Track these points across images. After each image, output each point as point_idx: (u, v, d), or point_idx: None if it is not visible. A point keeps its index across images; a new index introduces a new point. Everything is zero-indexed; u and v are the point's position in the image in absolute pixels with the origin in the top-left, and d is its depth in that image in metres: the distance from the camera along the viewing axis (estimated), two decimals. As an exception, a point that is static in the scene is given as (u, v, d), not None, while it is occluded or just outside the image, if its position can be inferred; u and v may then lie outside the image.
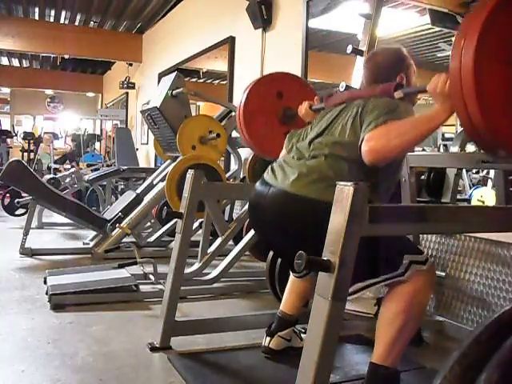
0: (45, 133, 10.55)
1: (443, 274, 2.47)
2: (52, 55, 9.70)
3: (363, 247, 1.15)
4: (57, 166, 9.05)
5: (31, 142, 10.36)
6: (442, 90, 1.44)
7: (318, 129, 1.80)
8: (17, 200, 5.29)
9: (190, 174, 2.17)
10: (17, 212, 5.58)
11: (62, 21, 8.33)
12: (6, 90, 13.47)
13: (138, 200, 4.11)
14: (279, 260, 2.61)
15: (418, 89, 1.69)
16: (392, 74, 1.80)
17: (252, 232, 3.13)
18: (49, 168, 9.01)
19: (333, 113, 1.81)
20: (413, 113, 1.63)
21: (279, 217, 1.66)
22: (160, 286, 2.91)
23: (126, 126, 9.66)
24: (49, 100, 13.64)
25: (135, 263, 2.98)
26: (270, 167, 1.80)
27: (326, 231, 1.17)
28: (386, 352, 1.56)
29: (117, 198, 5.44)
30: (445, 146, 6.33)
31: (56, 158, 9.68)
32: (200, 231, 3.41)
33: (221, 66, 6.18)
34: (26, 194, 4.91)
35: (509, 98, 1.32)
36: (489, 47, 1.27)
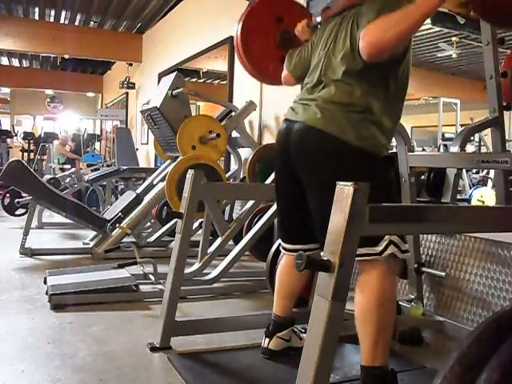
0: (45, 132, 10.52)
1: (443, 273, 2.47)
2: (52, 55, 9.71)
3: None
4: (68, 166, 9.01)
5: (31, 141, 10.37)
6: None
7: (320, 50, 1.82)
8: (17, 200, 5.29)
9: (190, 174, 2.17)
10: (17, 212, 5.57)
11: (62, 21, 8.33)
12: (6, 90, 13.48)
13: (138, 200, 4.11)
14: (279, 260, 2.61)
15: None
16: None
17: (252, 232, 3.13)
18: (61, 169, 8.95)
19: (330, 30, 1.82)
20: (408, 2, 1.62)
21: (307, 149, 1.70)
22: (160, 286, 2.91)
23: (126, 125, 9.66)
24: (49, 100, 13.64)
25: (135, 263, 2.98)
26: (290, 107, 1.84)
27: (346, 167, 1.33)
28: (372, 352, 1.56)
29: (117, 198, 5.44)
30: (445, 145, 6.34)
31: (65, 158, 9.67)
32: (200, 231, 3.41)
33: (221, 65, 6.18)
34: (25, 194, 4.91)
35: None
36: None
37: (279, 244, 2.59)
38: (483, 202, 4.42)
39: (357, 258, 1.55)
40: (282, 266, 2.04)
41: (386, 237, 1.56)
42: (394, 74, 1.69)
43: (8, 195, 5.62)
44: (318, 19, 2.04)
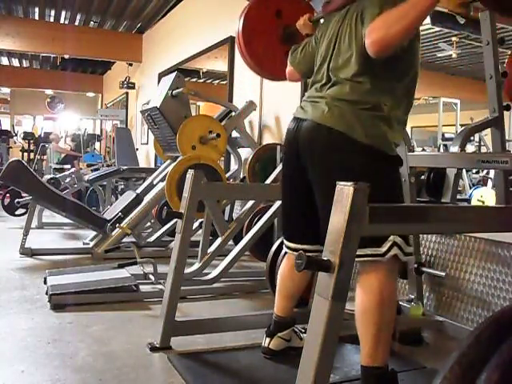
0: (45, 132, 10.54)
1: (443, 274, 2.47)
2: (52, 55, 9.71)
3: None
4: (60, 166, 9.02)
5: (31, 141, 10.37)
6: None
7: (325, 47, 1.81)
8: (17, 200, 5.29)
9: (189, 173, 2.17)
10: (17, 212, 5.57)
11: (62, 21, 8.33)
12: (6, 90, 13.48)
13: (138, 200, 4.11)
14: (279, 260, 2.61)
15: None
16: None
17: (252, 232, 3.13)
18: (57, 169, 8.95)
19: (334, 25, 1.81)
20: None
21: (312, 147, 1.71)
22: (160, 286, 2.91)
23: (126, 125, 9.66)
24: (49, 100, 13.65)
25: (135, 263, 2.98)
26: (298, 106, 1.83)
27: (355, 165, 1.31)
28: (372, 352, 1.56)
29: (117, 198, 5.44)
30: (445, 146, 6.34)
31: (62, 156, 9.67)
32: (200, 231, 3.41)
33: (221, 65, 6.18)
34: (26, 194, 4.91)
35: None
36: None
37: (281, 243, 2.59)
38: (483, 202, 4.42)
39: (359, 259, 1.55)
40: (284, 266, 2.04)
41: (390, 238, 1.56)
42: (402, 68, 1.68)
43: (8, 195, 5.63)
44: (320, 15, 2.03)
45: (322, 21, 2.04)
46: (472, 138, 4.93)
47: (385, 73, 1.66)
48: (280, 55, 2.27)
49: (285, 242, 1.99)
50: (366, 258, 1.56)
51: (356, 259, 1.56)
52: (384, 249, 1.56)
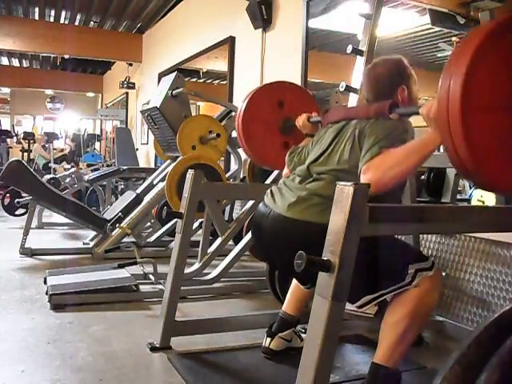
0: (45, 132, 10.54)
1: (443, 274, 2.47)
2: (52, 55, 9.71)
3: (366, 258, 1.15)
4: (56, 165, 9.03)
5: (31, 142, 10.37)
6: (434, 115, 1.40)
7: (316, 151, 1.81)
8: (17, 200, 5.28)
9: (189, 173, 2.17)
10: (17, 212, 5.58)
11: (62, 21, 8.33)
12: (6, 90, 13.48)
13: (138, 200, 4.11)
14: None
15: (411, 111, 1.67)
16: (393, 85, 1.79)
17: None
18: (44, 168, 8.95)
19: (330, 133, 1.81)
20: (411, 132, 1.64)
21: (278, 239, 1.70)
22: (160, 286, 2.91)
23: (126, 125, 9.66)
24: (49, 100, 13.65)
25: (135, 263, 2.98)
26: (269, 190, 1.81)
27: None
28: (389, 353, 1.57)
29: (117, 198, 5.44)
30: (445, 146, 6.33)
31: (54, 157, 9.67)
32: (200, 231, 3.41)
33: (221, 65, 6.18)
34: (26, 194, 4.91)
35: (499, 141, 1.24)
36: (477, 89, 1.19)
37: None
38: (483, 202, 4.42)
39: (390, 294, 1.59)
40: None
41: (410, 270, 1.57)
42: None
43: (8, 195, 5.63)
44: (319, 118, 2.06)
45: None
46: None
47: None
48: (278, 145, 2.32)
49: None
50: (394, 292, 1.59)
51: (384, 297, 1.58)
52: (408, 279, 1.57)
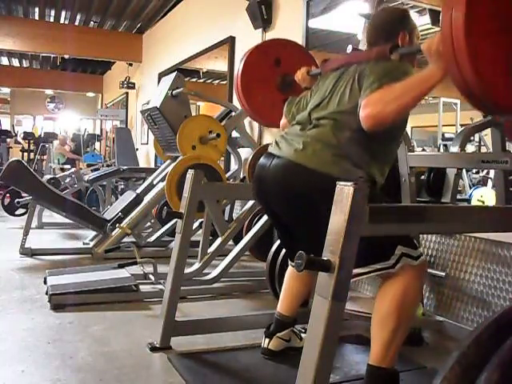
0: (45, 132, 10.53)
1: (443, 273, 2.47)
2: (52, 55, 9.71)
3: None
4: (68, 166, 9.00)
5: (31, 141, 10.36)
6: (437, 48, 1.41)
7: (317, 97, 1.81)
8: (17, 200, 5.28)
9: (189, 173, 2.17)
10: (17, 212, 5.57)
11: (62, 21, 8.33)
12: (6, 90, 13.48)
13: (138, 200, 4.11)
14: (279, 260, 2.61)
15: (413, 49, 1.66)
16: (395, 29, 1.78)
17: (252, 232, 3.13)
18: (62, 169, 8.92)
19: (330, 80, 1.81)
20: (412, 73, 1.61)
21: (282, 186, 1.68)
22: (160, 286, 2.91)
23: (126, 125, 9.66)
24: (49, 100, 13.65)
25: (135, 263, 2.98)
26: (273, 141, 1.81)
27: (327, 205, 1.17)
28: (383, 353, 1.56)
29: (117, 198, 5.44)
30: (445, 145, 6.34)
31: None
32: (200, 231, 3.41)
33: (221, 65, 6.18)
34: (25, 194, 4.91)
35: (504, 62, 1.24)
36: (480, 11, 1.20)
37: (281, 243, 2.59)
38: (483, 202, 4.42)
39: (370, 275, 1.58)
40: (291, 268, 2.05)
41: (397, 252, 1.56)
42: (390, 132, 1.65)
43: (8, 195, 5.62)
44: (318, 70, 2.05)
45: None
46: (472, 138, 4.93)
47: (368, 136, 1.60)
48: (279, 103, 2.28)
49: (290, 262, 2.02)
50: (378, 273, 1.58)
51: (366, 275, 1.58)
52: (392, 261, 1.57)
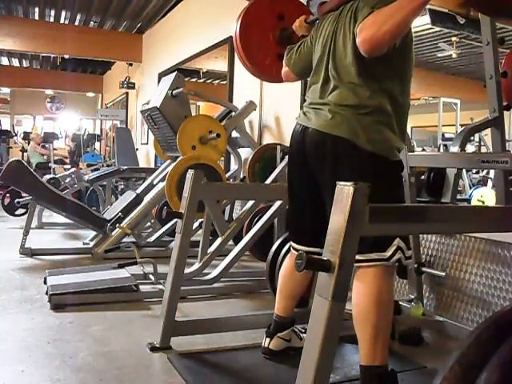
0: (45, 132, 10.53)
1: (443, 273, 2.47)
2: (52, 55, 9.70)
3: None
4: (56, 165, 9.02)
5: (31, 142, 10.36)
6: None
7: (320, 47, 1.82)
8: (17, 200, 5.29)
9: (189, 173, 2.17)
10: (17, 212, 5.57)
11: (62, 21, 8.33)
12: (6, 90, 13.47)
13: (138, 200, 4.11)
14: (279, 260, 2.61)
15: None
16: None
17: (252, 232, 3.13)
18: (39, 166, 8.92)
19: (329, 25, 1.81)
20: None
21: (317, 154, 1.72)
22: (160, 286, 2.91)
23: (126, 125, 9.66)
24: (49, 100, 13.64)
25: (135, 263, 2.98)
26: (301, 111, 1.83)
27: (359, 171, 1.31)
28: (371, 351, 1.56)
29: (117, 198, 5.44)
30: (445, 145, 6.34)
31: (55, 158, 9.66)
32: (200, 231, 3.41)
33: (221, 65, 6.18)
34: (26, 194, 4.91)
35: None
36: None
37: (281, 243, 2.59)
38: (483, 202, 4.43)
39: (364, 263, 1.58)
40: (286, 266, 2.04)
41: (395, 242, 1.57)
42: (397, 67, 1.69)
43: (8, 195, 5.62)
44: (316, 17, 2.03)
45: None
46: (472, 138, 4.93)
47: (381, 72, 1.66)
48: (273, 55, 2.28)
49: (293, 244, 1.95)
50: (371, 263, 1.58)
51: (361, 264, 1.58)
52: (389, 253, 1.57)
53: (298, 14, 2.23)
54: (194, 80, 8.57)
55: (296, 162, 1.88)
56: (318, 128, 1.70)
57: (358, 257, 1.54)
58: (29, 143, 10.27)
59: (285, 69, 2.08)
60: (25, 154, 10.29)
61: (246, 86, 4.85)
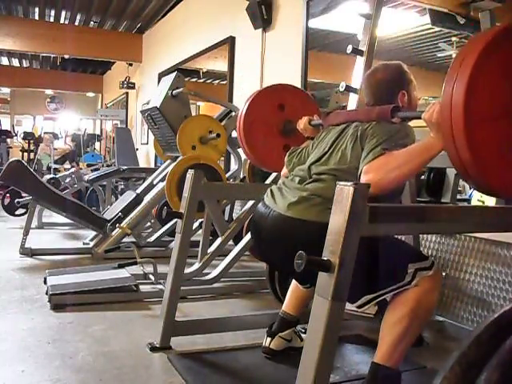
0: (45, 133, 10.55)
1: (443, 274, 2.47)
2: (52, 55, 9.71)
3: (366, 258, 1.15)
4: (57, 166, 9.05)
5: (31, 141, 10.37)
6: (438, 120, 1.41)
7: (318, 152, 1.81)
8: (17, 200, 5.29)
9: (189, 174, 2.17)
10: (17, 212, 5.57)
11: (62, 21, 8.33)
12: (6, 90, 13.48)
13: (138, 200, 4.11)
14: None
15: (413, 115, 1.68)
16: (393, 90, 1.81)
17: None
18: (48, 168, 8.99)
19: (332, 135, 1.82)
20: (413, 135, 1.64)
21: (278, 239, 1.70)
22: (160, 286, 2.91)
23: (126, 125, 9.66)
24: (49, 100, 13.64)
25: (135, 263, 2.98)
26: (269, 190, 1.81)
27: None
28: (389, 353, 1.57)
29: (117, 198, 5.44)
30: (445, 146, 6.33)
31: (56, 157, 9.68)
32: (200, 231, 3.41)
33: (221, 65, 6.18)
34: (26, 194, 4.91)
35: (500, 146, 1.28)
36: (479, 98, 1.23)
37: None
38: (483, 202, 4.42)
39: (390, 294, 1.59)
40: None
41: (410, 269, 1.57)
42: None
43: (8, 195, 5.62)
44: (320, 121, 2.07)
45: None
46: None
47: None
48: (279, 147, 2.33)
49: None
50: (397, 291, 1.58)
51: (384, 296, 1.57)
52: (408, 279, 1.57)
53: (298, 102, 2.35)
54: (194, 80, 8.57)
55: (257, 243, 1.90)
56: (280, 211, 1.68)
57: (378, 293, 1.58)
58: (29, 143, 10.29)
59: (284, 170, 2.07)
60: (25, 154, 10.32)
61: (245, 86, 4.85)
